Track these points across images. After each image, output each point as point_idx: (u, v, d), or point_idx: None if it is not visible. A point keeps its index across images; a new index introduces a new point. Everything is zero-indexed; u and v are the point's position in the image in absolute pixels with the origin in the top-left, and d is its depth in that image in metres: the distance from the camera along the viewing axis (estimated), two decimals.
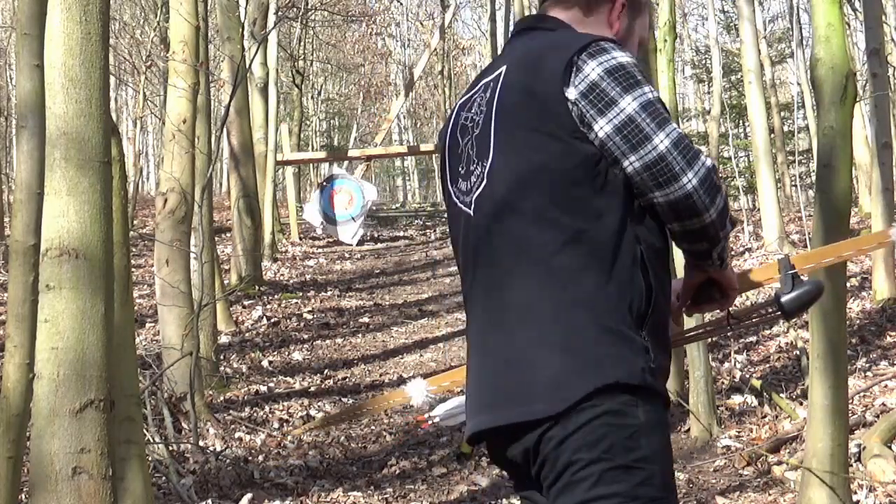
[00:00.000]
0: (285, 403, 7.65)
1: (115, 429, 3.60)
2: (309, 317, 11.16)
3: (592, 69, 1.93)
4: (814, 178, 4.54)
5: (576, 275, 1.92)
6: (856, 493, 4.78)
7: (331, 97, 35.56)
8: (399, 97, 22.83)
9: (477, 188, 2.05)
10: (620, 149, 1.91)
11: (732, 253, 9.21)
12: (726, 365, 7.55)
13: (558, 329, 1.91)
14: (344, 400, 7.84)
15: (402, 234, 19.88)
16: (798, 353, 7.27)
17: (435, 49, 22.48)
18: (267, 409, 7.48)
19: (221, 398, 7.66)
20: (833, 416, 4.30)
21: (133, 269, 7.29)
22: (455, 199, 2.12)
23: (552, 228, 1.93)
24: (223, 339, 9.48)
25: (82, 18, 3.34)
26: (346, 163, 20.80)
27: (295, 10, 20.82)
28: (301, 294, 12.50)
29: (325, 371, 8.78)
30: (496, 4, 21.45)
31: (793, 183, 18.75)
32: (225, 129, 11.61)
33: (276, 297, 12.16)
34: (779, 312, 2.21)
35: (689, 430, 6.30)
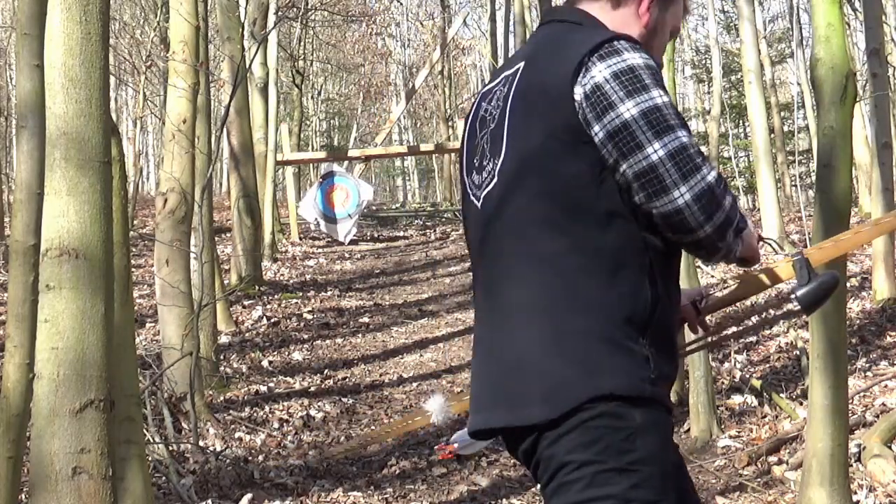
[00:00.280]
0: (285, 403, 7.65)
1: (115, 429, 3.60)
2: (309, 317, 11.16)
3: (600, 71, 1.89)
4: (814, 178, 4.53)
5: (577, 280, 1.89)
6: (856, 493, 4.78)
7: (331, 97, 35.56)
8: (400, 104, 22.83)
9: (487, 184, 2.03)
10: (613, 156, 1.87)
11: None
12: (726, 365, 7.54)
13: (557, 334, 1.90)
14: (344, 400, 7.83)
15: (402, 234, 19.88)
16: (798, 353, 7.27)
17: (436, 62, 22.46)
18: (267, 409, 7.48)
19: (221, 398, 7.66)
20: (833, 416, 4.30)
21: (133, 269, 7.29)
22: (469, 190, 2.11)
23: (555, 232, 1.91)
24: (223, 339, 9.48)
25: (82, 18, 3.34)
26: (345, 162, 20.81)
27: (295, 10, 20.82)
28: (301, 294, 12.50)
29: (325, 371, 8.78)
30: (496, 4, 21.47)
31: (793, 183, 18.75)
32: (225, 129, 11.61)
33: (276, 297, 12.16)
34: (798, 308, 2.17)
35: (689, 430, 6.29)
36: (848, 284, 5.64)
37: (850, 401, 5.63)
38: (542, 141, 1.93)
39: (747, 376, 7.15)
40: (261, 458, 6.39)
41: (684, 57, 28.18)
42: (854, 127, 5.11)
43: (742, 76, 13.45)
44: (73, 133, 3.32)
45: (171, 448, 6.02)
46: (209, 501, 5.40)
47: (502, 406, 1.96)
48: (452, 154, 24.97)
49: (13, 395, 4.30)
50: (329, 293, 12.69)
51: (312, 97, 32.24)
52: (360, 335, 10.36)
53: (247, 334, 10.11)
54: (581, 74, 1.90)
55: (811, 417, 4.42)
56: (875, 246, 8.46)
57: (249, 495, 5.48)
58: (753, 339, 8.20)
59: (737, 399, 6.79)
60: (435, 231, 19.89)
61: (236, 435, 6.85)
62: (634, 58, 1.91)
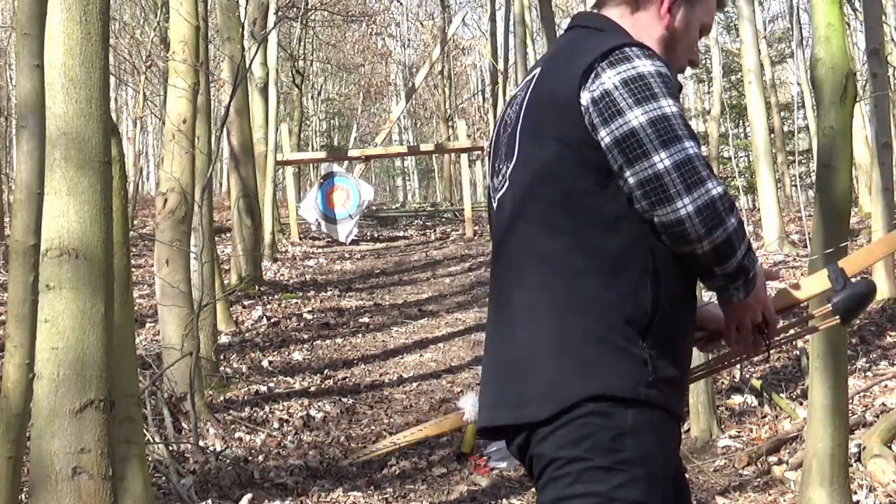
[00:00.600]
0: (285, 403, 7.65)
1: (115, 429, 3.60)
2: (309, 317, 11.16)
3: (609, 78, 1.89)
4: (814, 178, 4.53)
5: (577, 281, 1.91)
6: (856, 493, 4.78)
7: (331, 97, 35.57)
8: (400, 104, 22.83)
9: (501, 188, 2.06)
10: (618, 162, 1.88)
11: None
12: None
13: (555, 334, 1.91)
14: (344, 400, 7.83)
15: (402, 234, 19.88)
16: (798, 353, 7.27)
17: (435, 61, 22.46)
18: (267, 409, 7.47)
19: (221, 398, 7.65)
20: (833, 416, 4.30)
21: (133, 269, 7.29)
22: (491, 194, 2.14)
23: (558, 235, 1.92)
24: (223, 339, 9.48)
25: (82, 18, 3.34)
26: (345, 162, 20.81)
27: (295, 10, 20.83)
28: (301, 294, 12.49)
29: (325, 371, 8.78)
30: (496, 4, 21.46)
31: (793, 183, 18.76)
32: (225, 129, 11.60)
33: (276, 297, 12.16)
34: (836, 317, 2.15)
35: (689, 430, 6.30)
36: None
37: (850, 401, 5.63)
38: (549, 145, 1.95)
39: (747, 376, 7.15)
40: (261, 458, 6.39)
41: None
42: (854, 127, 5.11)
43: (742, 76, 13.45)
44: (73, 133, 3.32)
45: (171, 448, 6.02)
46: (209, 501, 5.40)
47: (502, 404, 1.99)
48: (452, 154, 25.00)
49: (13, 395, 4.30)
50: (329, 293, 12.69)
51: (312, 97, 32.24)
52: (360, 335, 10.36)
53: (247, 334, 10.11)
54: (590, 80, 1.90)
55: (811, 417, 4.42)
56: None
57: (249, 495, 5.48)
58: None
59: (737, 399, 6.79)
60: (435, 231, 19.89)
61: (236, 435, 6.85)
62: (645, 65, 1.91)
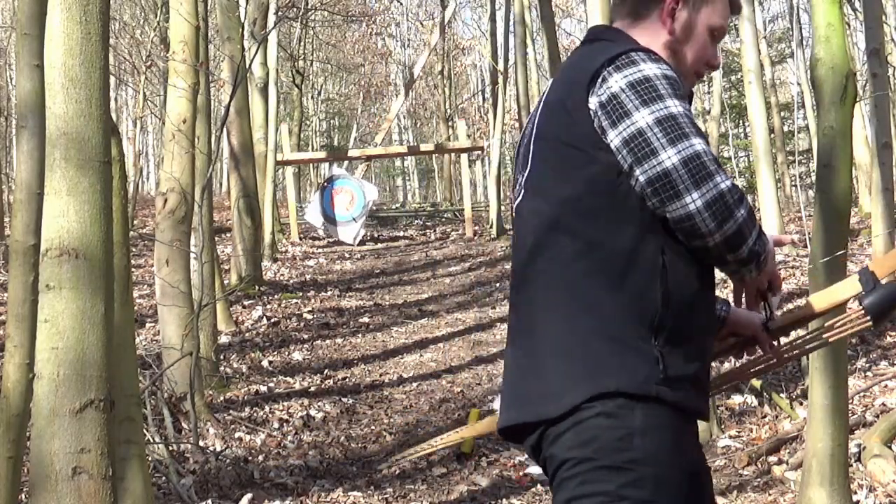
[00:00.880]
0: (285, 403, 7.65)
1: (115, 429, 3.60)
2: (309, 317, 11.16)
3: (616, 81, 1.94)
4: (814, 178, 4.53)
5: (587, 282, 1.95)
6: (856, 493, 4.77)
7: (331, 97, 35.57)
8: (399, 96, 22.82)
9: (518, 196, 2.13)
10: (627, 161, 1.92)
11: None
12: (726, 365, 7.54)
13: (567, 334, 1.95)
14: (344, 400, 7.83)
15: (402, 234, 19.88)
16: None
17: (434, 47, 22.48)
18: (267, 409, 7.47)
19: (221, 398, 7.65)
20: (833, 416, 4.30)
21: (133, 269, 7.29)
22: (513, 203, 2.20)
23: (570, 237, 1.97)
24: (223, 339, 9.48)
25: (82, 18, 3.34)
26: (345, 163, 20.81)
27: (295, 10, 20.84)
28: (301, 294, 12.49)
29: (325, 371, 8.78)
30: (496, 4, 21.44)
31: (793, 183, 18.76)
32: (225, 129, 11.60)
33: (276, 297, 12.16)
34: (867, 319, 2.18)
35: None
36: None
37: (850, 401, 5.63)
38: (560, 150, 2.00)
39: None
40: (261, 458, 6.39)
41: None
42: (854, 127, 5.11)
43: (742, 76, 13.45)
44: (73, 133, 3.32)
45: (171, 448, 6.02)
46: (209, 501, 5.40)
47: (517, 404, 2.03)
48: (452, 154, 25.00)
49: (13, 395, 4.30)
50: (329, 293, 12.69)
51: (312, 97, 32.25)
52: (360, 335, 10.36)
53: (247, 334, 10.11)
54: (597, 85, 1.96)
55: (811, 417, 4.42)
56: (875, 246, 8.46)
57: (249, 495, 5.48)
58: None
59: (737, 399, 6.79)
60: (435, 231, 19.89)
61: (236, 435, 6.85)
62: (651, 68, 1.96)
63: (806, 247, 10.37)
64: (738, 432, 6.25)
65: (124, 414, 4.27)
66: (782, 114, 20.95)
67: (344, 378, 8.60)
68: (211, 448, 6.39)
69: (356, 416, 7.46)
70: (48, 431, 3.25)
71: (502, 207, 18.12)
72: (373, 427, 7.14)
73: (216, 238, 12.16)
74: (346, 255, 16.56)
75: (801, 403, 6.33)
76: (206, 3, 10.32)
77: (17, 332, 4.34)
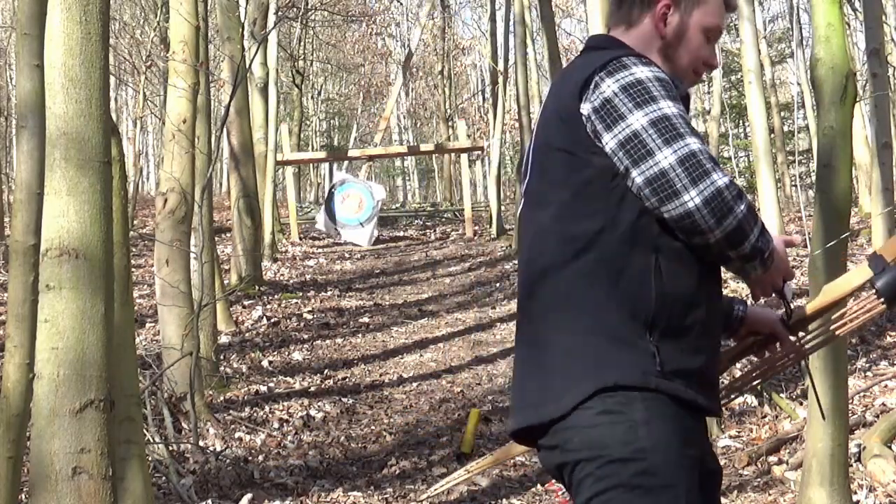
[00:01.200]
0: (285, 403, 7.65)
1: (115, 429, 3.60)
2: (309, 317, 11.16)
3: (608, 86, 1.97)
4: (814, 178, 4.53)
5: (584, 284, 1.98)
6: (856, 493, 4.77)
7: (331, 97, 35.57)
8: (397, 79, 22.68)
9: (521, 205, 2.17)
10: (624, 163, 1.95)
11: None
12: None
13: (566, 335, 1.99)
14: (344, 400, 7.83)
15: (402, 234, 19.88)
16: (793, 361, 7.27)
17: (426, 23, 22.36)
18: (267, 409, 7.47)
19: (221, 398, 7.65)
20: (833, 416, 4.30)
21: (133, 269, 7.29)
22: (517, 210, 2.27)
23: (566, 240, 2.01)
24: (223, 339, 9.48)
25: (82, 18, 3.34)
26: (346, 163, 20.80)
27: (295, 10, 20.84)
28: (301, 294, 12.49)
29: (325, 371, 8.78)
30: (496, 4, 21.44)
31: (793, 183, 18.76)
32: (225, 129, 11.60)
33: (276, 297, 12.16)
34: (881, 302, 2.18)
35: None
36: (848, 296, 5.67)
37: (850, 401, 5.63)
38: (555, 156, 2.04)
39: (742, 381, 7.15)
40: (261, 458, 6.39)
41: None
42: (854, 127, 5.11)
43: (742, 76, 13.45)
44: (73, 133, 3.32)
45: (171, 448, 6.02)
46: (209, 501, 5.40)
47: (522, 407, 2.07)
48: (452, 154, 24.99)
49: (13, 395, 4.30)
50: (329, 293, 12.69)
51: (312, 97, 32.25)
52: (360, 335, 10.36)
53: (247, 334, 10.11)
54: (589, 91, 1.99)
55: (811, 417, 4.42)
56: (875, 246, 8.46)
57: (249, 495, 5.47)
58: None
59: (737, 399, 6.79)
60: (435, 231, 19.89)
61: (236, 435, 6.85)
62: (643, 71, 1.99)
63: (806, 247, 10.37)
64: (738, 432, 6.25)
65: (124, 414, 4.27)
66: (782, 114, 20.95)
67: (344, 378, 8.60)
68: (211, 448, 6.39)
69: (356, 416, 7.46)
70: (48, 431, 3.25)
71: (502, 207, 18.12)
72: (373, 427, 7.14)
73: (216, 238, 12.16)
74: (346, 255, 16.56)
75: (801, 403, 6.33)
76: (206, 3, 10.33)
77: (17, 332, 4.34)
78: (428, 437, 6.86)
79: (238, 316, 10.78)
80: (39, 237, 3.61)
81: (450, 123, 28.53)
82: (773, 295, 2.13)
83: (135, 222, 17.17)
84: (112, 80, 12.74)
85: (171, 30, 8.02)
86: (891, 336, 7.77)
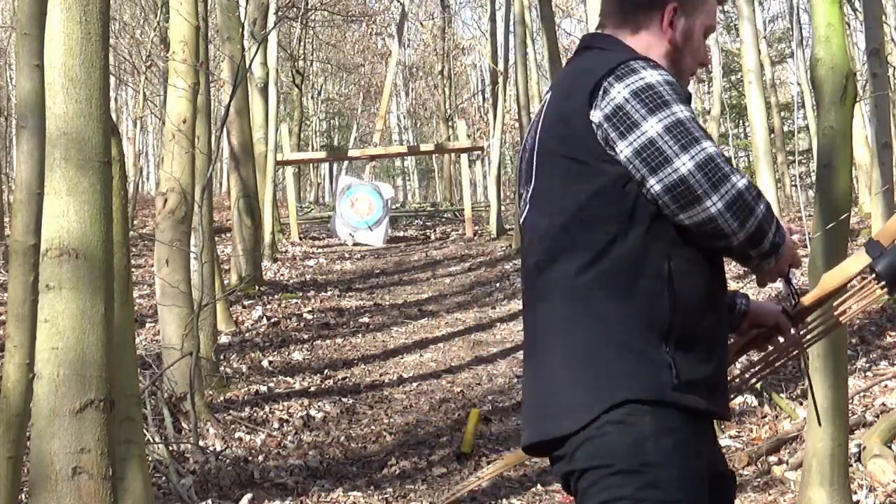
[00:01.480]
0: (285, 403, 7.65)
1: (115, 429, 3.60)
2: (309, 317, 11.16)
3: (619, 92, 1.93)
4: (814, 178, 4.53)
5: (594, 294, 1.95)
6: (856, 493, 4.77)
7: (331, 97, 35.58)
8: (393, 54, 22.48)
9: (524, 212, 2.12)
10: (641, 171, 1.91)
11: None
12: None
13: (578, 346, 1.96)
14: (344, 400, 7.83)
15: (401, 234, 19.88)
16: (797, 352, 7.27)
17: None
18: (267, 409, 7.47)
19: (221, 398, 7.65)
20: (833, 416, 4.29)
21: (133, 269, 7.29)
22: (519, 216, 2.19)
23: (574, 250, 1.97)
24: (223, 339, 9.48)
25: (82, 18, 3.34)
26: (346, 164, 20.80)
27: (295, 10, 20.85)
28: (301, 294, 12.49)
29: (325, 371, 8.78)
30: (496, 4, 21.44)
31: (793, 183, 18.77)
32: (225, 129, 11.60)
33: (276, 297, 12.15)
34: (882, 286, 2.16)
35: None
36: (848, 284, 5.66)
37: (850, 401, 5.63)
38: (563, 164, 2.00)
39: (747, 376, 7.15)
40: (261, 458, 6.39)
41: None
42: (854, 127, 5.11)
43: (742, 76, 13.45)
44: (73, 133, 3.32)
45: (171, 448, 6.02)
46: (209, 501, 5.40)
47: (534, 420, 2.04)
48: (452, 154, 25.00)
49: (13, 395, 4.30)
50: (329, 293, 12.69)
51: (312, 97, 32.26)
52: (360, 335, 10.36)
53: (247, 334, 10.11)
54: (599, 97, 1.94)
55: (811, 418, 4.42)
56: (874, 227, 8.46)
57: (249, 495, 5.47)
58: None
59: (737, 399, 6.79)
60: (435, 231, 19.89)
61: (236, 435, 6.85)
62: (652, 75, 1.95)
63: (806, 247, 10.37)
64: (738, 432, 6.25)
65: (124, 414, 4.27)
66: (782, 114, 20.96)
67: (344, 378, 8.60)
68: (211, 448, 6.39)
69: (356, 416, 7.46)
70: (48, 431, 3.25)
71: (502, 207, 18.12)
72: (373, 427, 7.14)
73: (216, 238, 12.16)
74: (346, 255, 16.56)
75: (801, 403, 6.32)
76: (206, 3, 10.33)
77: (17, 332, 4.34)
78: (428, 437, 6.86)
79: (238, 316, 10.78)
80: (39, 237, 3.61)
81: (450, 123, 28.54)
82: (779, 280, 2.12)
83: (135, 222, 17.17)
84: (112, 80, 12.73)
85: (171, 30, 8.02)
86: (891, 336, 7.76)
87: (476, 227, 18.59)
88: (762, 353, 2.36)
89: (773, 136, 15.90)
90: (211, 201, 9.19)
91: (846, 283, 2.25)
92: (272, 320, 10.76)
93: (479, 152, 24.57)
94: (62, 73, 3.32)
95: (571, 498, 2.13)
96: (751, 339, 2.30)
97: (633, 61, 1.97)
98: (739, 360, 2.53)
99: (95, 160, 3.35)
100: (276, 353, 9.47)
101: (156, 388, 6.65)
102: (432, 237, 18.96)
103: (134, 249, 12.88)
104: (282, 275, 14.18)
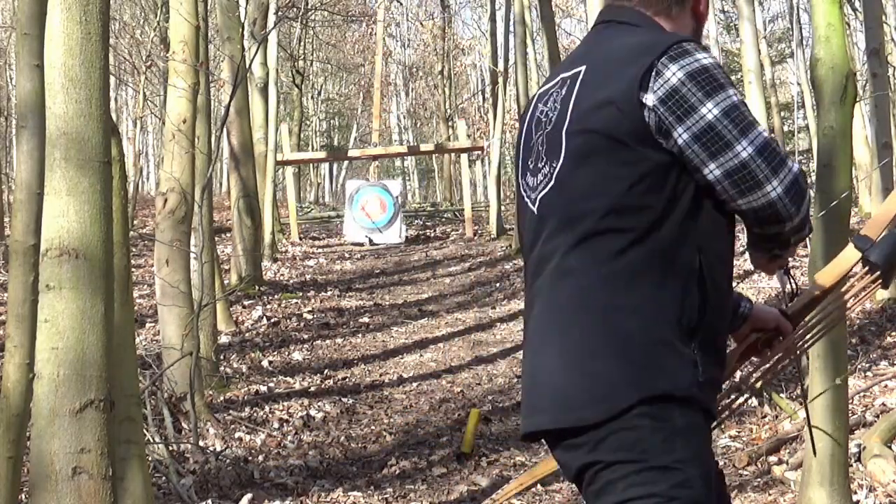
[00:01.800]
0: (285, 403, 7.65)
1: (115, 429, 3.60)
2: (309, 317, 11.16)
3: (674, 73, 1.88)
4: (814, 178, 4.52)
5: (630, 282, 1.89)
6: (856, 493, 4.77)
7: (331, 97, 35.58)
8: (378, 21, 22.20)
9: (543, 187, 2.02)
10: (700, 157, 1.87)
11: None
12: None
13: (609, 335, 1.90)
14: (344, 400, 7.83)
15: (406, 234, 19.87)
16: (798, 352, 7.26)
17: None
18: (267, 409, 7.47)
19: (221, 398, 7.65)
20: (833, 416, 4.29)
21: (133, 269, 7.29)
22: (523, 192, 2.10)
23: (612, 235, 1.91)
24: (223, 339, 9.48)
25: (82, 18, 3.33)
26: (346, 163, 20.80)
27: (295, 10, 20.84)
28: (301, 294, 12.49)
29: (325, 371, 8.78)
30: (496, 4, 21.45)
31: None
32: (225, 129, 11.60)
33: (276, 297, 12.16)
34: (876, 276, 2.16)
35: None
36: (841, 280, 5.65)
37: (850, 401, 5.63)
38: (605, 146, 1.92)
39: (747, 376, 7.14)
40: (261, 458, 6.39)
41: None
42: (854, 127, 5.11)
43: (742, 76, 13.45)
44: (73, 133, 3.32)
45: (171, 448, 6.02)
46: (209, 501, 5.40)
47: (550, 407, 1.96)
48: (452, 154, 25.00)
49: (13, 395, 4.30)
50: (329, 293, 12.69)
51: (312, 97, 32.26)
52: (360, 335, 10.36)
53: (247, 334, 10.11)
54: (652, 78, 1.89)
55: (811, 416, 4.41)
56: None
57: (249, 495, 5.48)
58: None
59: (737, 399, 6.78)
60: (435, 231, 19.88)
61: (236, 435, 6.85)
62: (706, 57, 1.92)
63: (806, 247, 10.37)
64: (738, 432, 6.25)
65: (124, 414, 4.26)
66: (782, 114, 20.96)
67: (344, 378, 8.60)
68: (211, 448, 6.39)
69: (356, 416, 7.46)
70: (48, 431, 3.25)
71: (502, 207, 18.12)
72: (373, 427, 7.14)
73: (216, 238, 12.16)
74: (346, 255, 16.56)
75: (800, 403, 6.32)
76: (206, 3, 10.33)
77: (17, 332, 4.34)
78: (428, 437, 6.86)
79: (238, 316, 10.78)
80: (39, 237, 3.61)
81: (450, 123, 28.54)
82: (777, 273, 2.12)
83: (135, 222, 17.18)
84: (112, 80, 12.74)
85: (171, 30, 8.02)
86: (891, 336, 7.76)
87: (476, 227, 18.59)
88: (760, 359, 2.36)
89: (773, 136, 15.91)
90: (211, 201, 9.19)
91: (840, 279, 2.24)
92: (272, 320, 10.76)
93: (479, 152, 24.56)
94: (62, 73, 3.32)
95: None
96: (750, 344, 2.29)
97: (685, 42, 1.93)
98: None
99: (95, 160, 3.35)
100: (276, 353, 9.47)
101: (156, 388, 6.65)
102: (432, 237, 18.96)
103: (134, 249, 12.88)
104: (282, 275, 14.18)
